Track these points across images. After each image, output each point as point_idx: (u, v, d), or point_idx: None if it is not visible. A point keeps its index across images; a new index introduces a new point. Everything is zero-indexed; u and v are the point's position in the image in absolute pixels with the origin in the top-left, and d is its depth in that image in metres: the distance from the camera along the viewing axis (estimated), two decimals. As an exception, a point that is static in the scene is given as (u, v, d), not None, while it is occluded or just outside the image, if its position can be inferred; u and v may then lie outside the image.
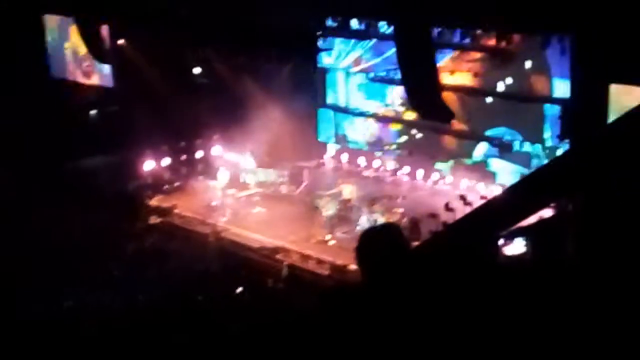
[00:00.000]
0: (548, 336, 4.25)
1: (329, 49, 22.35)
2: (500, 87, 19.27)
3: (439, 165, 21.01)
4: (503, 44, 17.61)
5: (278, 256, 18.16)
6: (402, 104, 21.44)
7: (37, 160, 22.66)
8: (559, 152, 17.52)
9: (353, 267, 14.27)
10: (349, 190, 19.85)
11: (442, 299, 4.32)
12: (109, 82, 24.82)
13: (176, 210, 21.20)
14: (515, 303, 4.56)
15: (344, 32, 21.08)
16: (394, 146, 22.31)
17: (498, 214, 5.36)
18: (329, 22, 20.72)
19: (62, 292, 15.23)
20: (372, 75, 22.16)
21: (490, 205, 5.77)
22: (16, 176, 21.72)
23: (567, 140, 17.10)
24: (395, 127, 22.44)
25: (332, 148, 23.72)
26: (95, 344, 12.71)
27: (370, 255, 4.38)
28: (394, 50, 16.93)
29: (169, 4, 20.70)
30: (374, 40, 21.29)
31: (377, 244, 4.39)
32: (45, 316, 14.17)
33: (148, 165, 22.39)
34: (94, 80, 25.46)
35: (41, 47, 25.85)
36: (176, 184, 22.75)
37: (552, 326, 4.25)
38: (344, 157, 22.93)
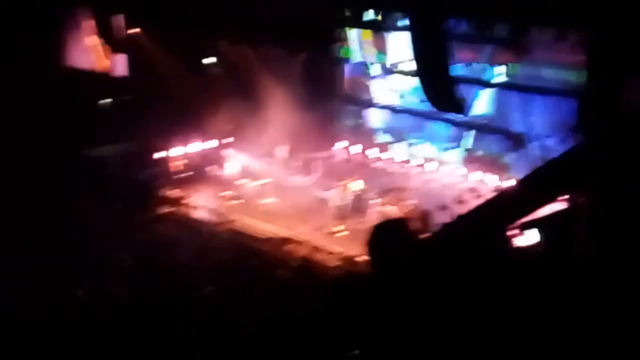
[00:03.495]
0: (557, 326, 4.21)
1: (344, 40, 22.22)
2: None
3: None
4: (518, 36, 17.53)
5: (288, 247, 18.15)
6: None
7: (50, 149, 22.69)
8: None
9: (363, 258, 14.26)
10: (359, 182, 19.81)
11: (451, 289, 4.30)
12: (122, 71, 24.84)
13: (187, 200, 21.21)
14: (525, 294, 4.52)
15: (359, 22, 20.95)
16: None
17: (508, 207, 5.30)
18: (345, 13, 20.60)
19: (72, 281, 15.25)
20: (387, 66, 22.04)
21: (502, 197, 5.72)
22: (28, 165, 21.77)
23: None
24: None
25: (345, 139, 23.60)
26: (105, 333, 12.74)
27: (380, 249, 4.36)
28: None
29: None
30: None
31: (388, 237, 4.37)
32: (56, 305, 14.19)
33: (160, 154, 22.38)
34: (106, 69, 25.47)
35: (56, 37, 25.86)
36: (188, 173, 22.74)
37: (561, 316, 4.21)
38: (357, 148, 22.84)
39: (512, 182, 16.97)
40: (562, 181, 4.40)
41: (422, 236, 4.57)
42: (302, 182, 21.51)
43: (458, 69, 18.34)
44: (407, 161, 21.79)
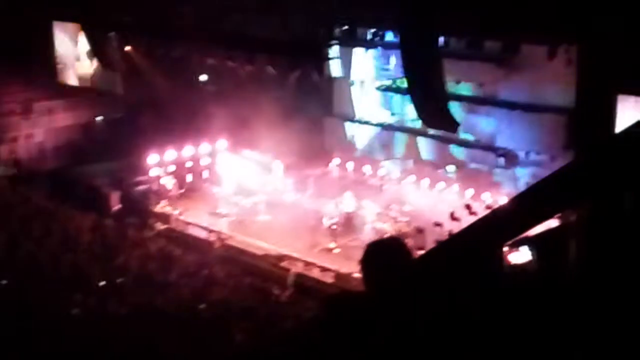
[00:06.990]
0: (551, 346, 4.25)
1: (335, 58, 22.30)
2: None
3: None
4: (509, 53, 17.65)
5: (283, 264, 18.16)
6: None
7: (46, 166, 22.73)
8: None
9: (357, 275, 14.27)
10: (353, 199, 19.83)
11: (445, 308, 4.33)
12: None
13: (181, 217, 21.19)
14: (520, 314, 4.56)
15: (351, 41, 21.05)
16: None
17: (503, 224, 5.34)
18: (336, 31, 20.70)
19: (68, 299, 15.20)
20: (378, 84, 22.06)
21: (495, 215, 5.76)
22: (25, 182, 21.79)
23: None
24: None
25: (338, 156, 23.57)
26: (100, 350, 12.70)
27: (374, 268, 4.39)
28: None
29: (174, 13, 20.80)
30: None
31: (382, 257, 4.40)
32: (52, 322, 14.14)
33: (154, 171, 22.37)
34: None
35: (51, 54, 25.95)
36: (182, 190, 22.74)
37: (555, 336, 4.25)
38: (350, 165, 22.84)
39: (505, 200, 17.00)
40: (557, 198, 4.45)
41: (417, 254, 4.61)
42: (296, 199, 21.52)
43: (449, 87, 18.40)
44: (400, 178, 21.73)
